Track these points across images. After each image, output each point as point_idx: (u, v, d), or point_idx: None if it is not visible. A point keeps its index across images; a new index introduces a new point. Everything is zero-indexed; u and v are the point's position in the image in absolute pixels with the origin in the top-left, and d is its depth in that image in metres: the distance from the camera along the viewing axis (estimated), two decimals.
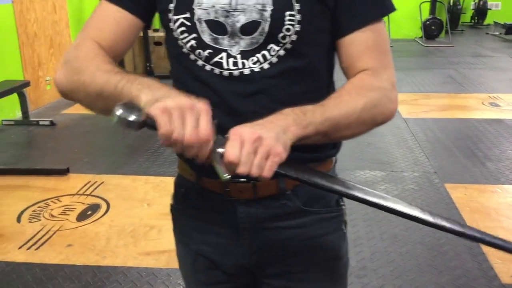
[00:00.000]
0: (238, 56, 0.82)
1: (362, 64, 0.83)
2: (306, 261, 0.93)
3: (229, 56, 0.82)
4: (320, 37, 0.85)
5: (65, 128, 4.34)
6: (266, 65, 0.82)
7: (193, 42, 0.83)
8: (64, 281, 2.15)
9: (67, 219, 2.69)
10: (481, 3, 10.53)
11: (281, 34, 0.80)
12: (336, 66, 0.91)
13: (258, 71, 0.82)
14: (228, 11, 0.80)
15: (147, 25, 0.91)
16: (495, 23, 9.74)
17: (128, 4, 0.86)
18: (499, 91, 5.44)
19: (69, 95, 0.84)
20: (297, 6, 0.80)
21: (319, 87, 0.88)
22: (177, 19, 0.83)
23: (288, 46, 0.81)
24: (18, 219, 2.70)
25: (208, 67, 0.83)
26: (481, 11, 10.61)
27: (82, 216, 2.73)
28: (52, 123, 4.38)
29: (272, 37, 0.80)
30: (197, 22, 0.82)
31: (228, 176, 0.67)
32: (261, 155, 0.66)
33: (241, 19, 0.80)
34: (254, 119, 0.71)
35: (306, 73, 0.85)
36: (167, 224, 1.04)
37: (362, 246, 2.41)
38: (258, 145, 0.66)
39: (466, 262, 2.26)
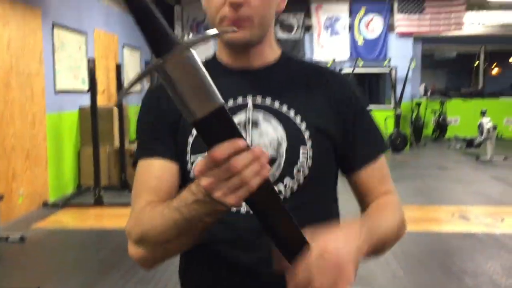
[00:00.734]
0: None
1: (381, 189, 0.95)
2: None
3: None
4: (329, 169, 0.95)
5: (36, 244, 4.20)
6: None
7: None
8: None
9: None
10: (441, 118, 11.23)
11: (295, 169, 0.87)
12: None
13: None
14: None
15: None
16: (456, 137, 10.33)
17: (166, 153, 0.91)
18: (467, 203, 5.62)
19: (157, 256, 0.85)
20: (309, 143, 0.88)
21: (328, 209, 0.98)
22: (195, 159, 0.89)
23: (302, 180, 0.88)
24: None
25: None
26: (441, 126, 11.27)
27: None
28: (22, 239, 4.25)
29: (287, 171, 0.87)
30: None
31: None
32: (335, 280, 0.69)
33: None
34: (269, 255, 0.75)
35: (317, 203, 0.93)
36: None
37: None
38: (337, 274, 0.69)
39: None
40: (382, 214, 0.89)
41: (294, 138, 0.88)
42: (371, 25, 10.06)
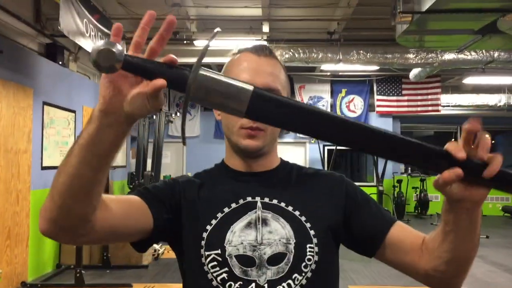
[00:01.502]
0: (266, 286, 0.92)
1: (419, 234, 0.99)
2: None
3: (257, 286, 0.92)
4: (333, 261, 1.01)
5: None
6: None
7: (224, 275, 0.93)
8: None
9: None
10: (422, 195, 11.39)
11: (303, 264, 0.94)
12: None
13: None
14: (255, 246, 0.94)
15: (154, 233, 0.95)
16: (438, 214, 10.44)
17: (150, 201, 0.96)
18: None
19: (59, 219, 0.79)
20: (315, 240, 0.96)
21: None
22: (209, 255, 0.94)
23: (309, 274, 0.94)
24: None
25: None
26: (423, 202, 11.41)
27: None
28: None
29: (295, 267, 0.94)
30: (228, 258, 0.93)
31: None
32: None
33: (267, 251, 0.94)
34: None
35: None
36: None
37: None
38: None
39: None
40: None
41: (301, 237, 0.96)
42: (352, 105, 10.46)
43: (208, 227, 0.97)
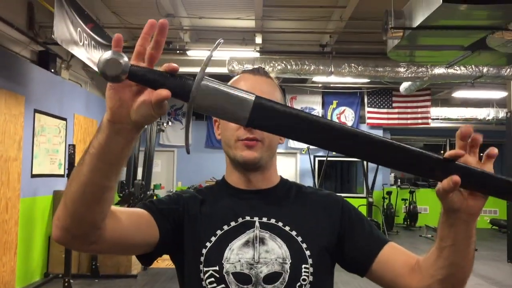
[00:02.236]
0: None
1: (411, 255, 1.00)
2: None
3: None
4: (328, 280, 1.04)
5: None
6: None
7: None
8: None
9: None
10: (411, 207, 11.46)
11: (298, 284, 0.96)
12: None
13: None
14: (252, 264, 0.97)
15: (158, 246, 0.98)
16: (427, 226, 10.51)
17: (156, 214, 0.99)
18: None
19: (75, 222, 0.81)
20: (310, 261, 0.99)
21: None
22: (207, 271, 0.97)
23: None
24: None
25: None
26: (412, 214, 11.48)
27: None
28: None
29: (290, 286, 0.96)
30: (225, 275, 0.96)
31: None
32: None
33: (264, 270, 0.96)
34: None
35: None
36: None
37: None
38: None
39: None
40: None
41: (297, 257, 0.99)
42: (343, 117, 10.54)
43: (208, 244, 1.00)
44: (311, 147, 10.21)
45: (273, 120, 0.75)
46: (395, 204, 11.10)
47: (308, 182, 10.41)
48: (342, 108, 10.52)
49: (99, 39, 5.87)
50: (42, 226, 6.02)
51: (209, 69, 6.97)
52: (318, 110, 10.44)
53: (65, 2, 4.95)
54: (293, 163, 10.95)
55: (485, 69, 7.09)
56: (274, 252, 0.98)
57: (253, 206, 1.05)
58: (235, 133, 1.03)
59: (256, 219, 1.03)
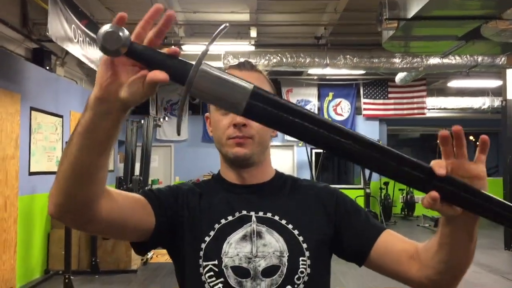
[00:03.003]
0: None
1: (409, 241, 1.00)
2: None
3: None
4: (325, 272, 1.06)
5: None
6: None
7: (220, 285, 0.97)
8: None
9: None
10: (409, 196, 11.52)
11: (296, 276, 0.98)
12: None
13: None
14: (250, 258, 0.98)
15: (154, 234, 0.98)
16: (424, 216, 10.57)
17: (154, 202, 0.99)
18: None
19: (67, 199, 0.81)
20: (307, 253, 1.00)
21: None
22: (206, 265, 0.98)
23: (301, 286, 0.98)
24: None
25: None
26: (409, 204, 11.54)
27: None
28: None
29: (288, 279, 0.98)
30: (224, 269, 0.97)
31: None
32: None
33: (262, 264, 0.98)
34: None
35: None
36: None
37: None
38: None
39: None
40: None
41: (294, 250, 1.00)
42: (339, 109, 10.55)
43: (207, 238, 1.01)
44: None
45: (269, 111, 0.73)
46: (392, 195, 11.15)
47: (306, 174, 10.44)
48: (338, 100, 10.53)
49: (93, 35, 5.85)
50: (41, 224, 6.03)
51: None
52: (314, 103, 10.44)
53: None
54: (290, 156, 10.97)
55: (480, 59, 7.11)
56: (272, 245, 1.00)
57: (249, 201, 1.06)
58: (226, 131, 1.04)
59: (252, 213, 1.04)
